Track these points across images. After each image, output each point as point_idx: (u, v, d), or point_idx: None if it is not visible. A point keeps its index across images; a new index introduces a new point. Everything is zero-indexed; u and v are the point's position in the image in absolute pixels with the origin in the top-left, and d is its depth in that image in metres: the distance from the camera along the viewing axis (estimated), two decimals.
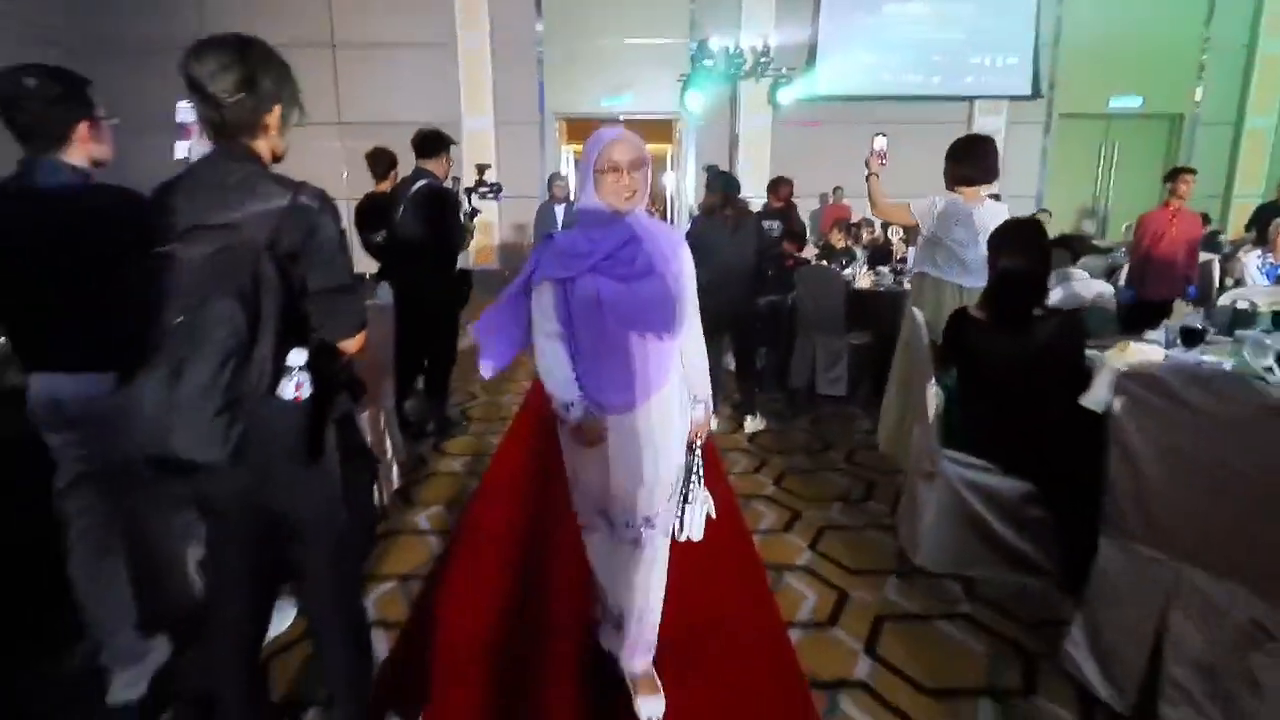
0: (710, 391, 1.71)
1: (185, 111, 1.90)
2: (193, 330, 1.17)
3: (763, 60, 8.33)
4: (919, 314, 2.31)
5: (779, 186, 4.68)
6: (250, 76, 1.28)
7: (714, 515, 1.72)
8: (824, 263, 4.82)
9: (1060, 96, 8.97)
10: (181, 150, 1.86)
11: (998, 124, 8.97)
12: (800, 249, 4.74)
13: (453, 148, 3.58)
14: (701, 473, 1.71)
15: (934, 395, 2.24)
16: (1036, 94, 8.77)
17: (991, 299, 2.17)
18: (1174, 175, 4.62)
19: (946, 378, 2.32)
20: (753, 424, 3.75)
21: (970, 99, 8.87)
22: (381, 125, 7.59)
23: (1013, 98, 8.79)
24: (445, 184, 3.48)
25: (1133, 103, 9.02)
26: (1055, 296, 3.45)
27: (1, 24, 7.23)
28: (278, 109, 1.34)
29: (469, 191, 3.84)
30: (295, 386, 1.26)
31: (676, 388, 1.61)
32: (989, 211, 2.63)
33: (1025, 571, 2.11)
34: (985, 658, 1.95)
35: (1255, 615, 1.43)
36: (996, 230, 2.19)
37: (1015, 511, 2.11)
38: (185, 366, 1.17)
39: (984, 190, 2.73)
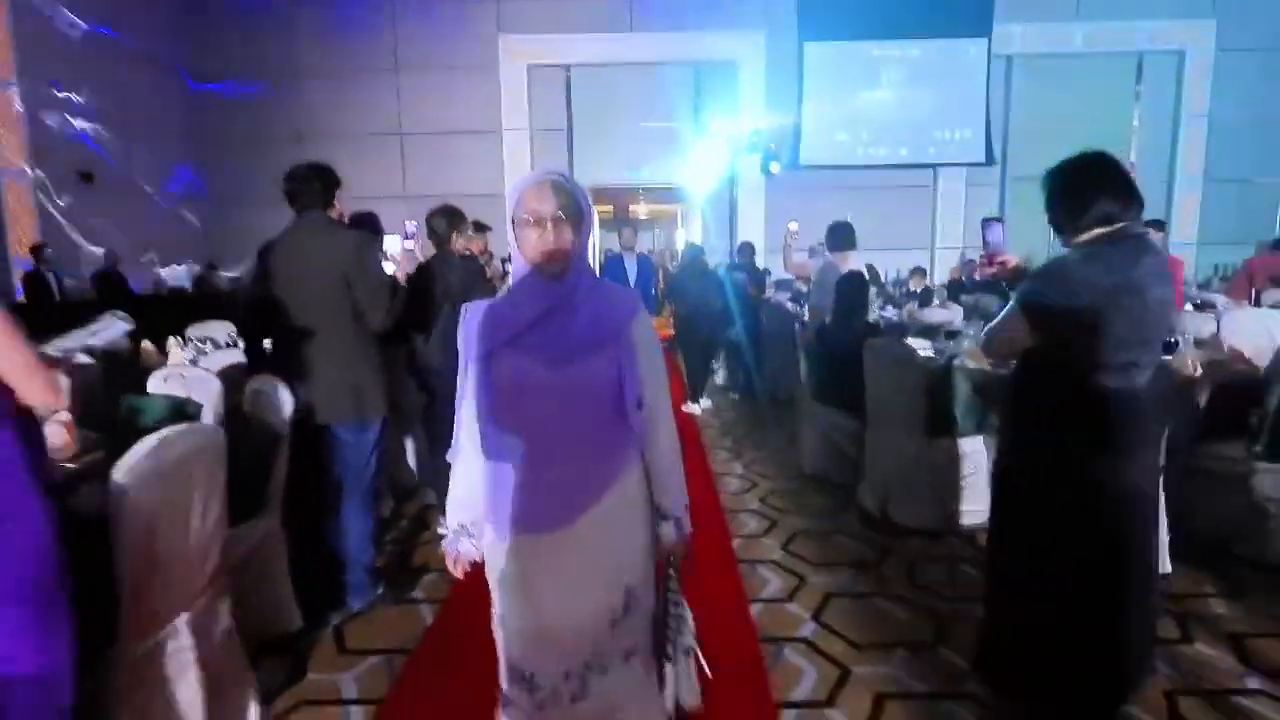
0: (684, 502, 1.39)
1: (409, 228, 3.92)
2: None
3: (755, 139, 10.43)
4: (797, 327, 4.21)
5: (744, 249, 6.68)
6: (450, 220, 3.28)
7: (708, 673, 1.40)
8: (788, 302, 6.72)
9: (1011, 162, 10.90)
10: (410, 245, 3.84)
11: (958, 187, 10.92)
12: (761, 292, 6.66)
13: (498, 213, 5.48)
14: (684, 616, 1.37)
15: (804, 374, 4.12)
16: (990, 161, 10.70)
17: (835, 314, 4.05)
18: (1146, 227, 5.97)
19: (814, 360, 4.19)
20: (696, 406, 5.68)
21: (934, 166, 10.84)
22: (441, 197, 9.76)
23: (970, 164, 10.73)
24: (479, 259, 5.24)
25: None
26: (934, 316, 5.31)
27: (143, 131, 9.64)
28: (455, 234, 3.32)
29: (504, 261, 5.58)
30: None
31: (627, 495, 1.33)
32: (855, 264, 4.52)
33: (856, 471, 3.91)
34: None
35: (905, 448, 3.26)
36: (838, 280, 4.08)
37: (852, 436, 3.93)
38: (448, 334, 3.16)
39: (850, 254, 4.61)
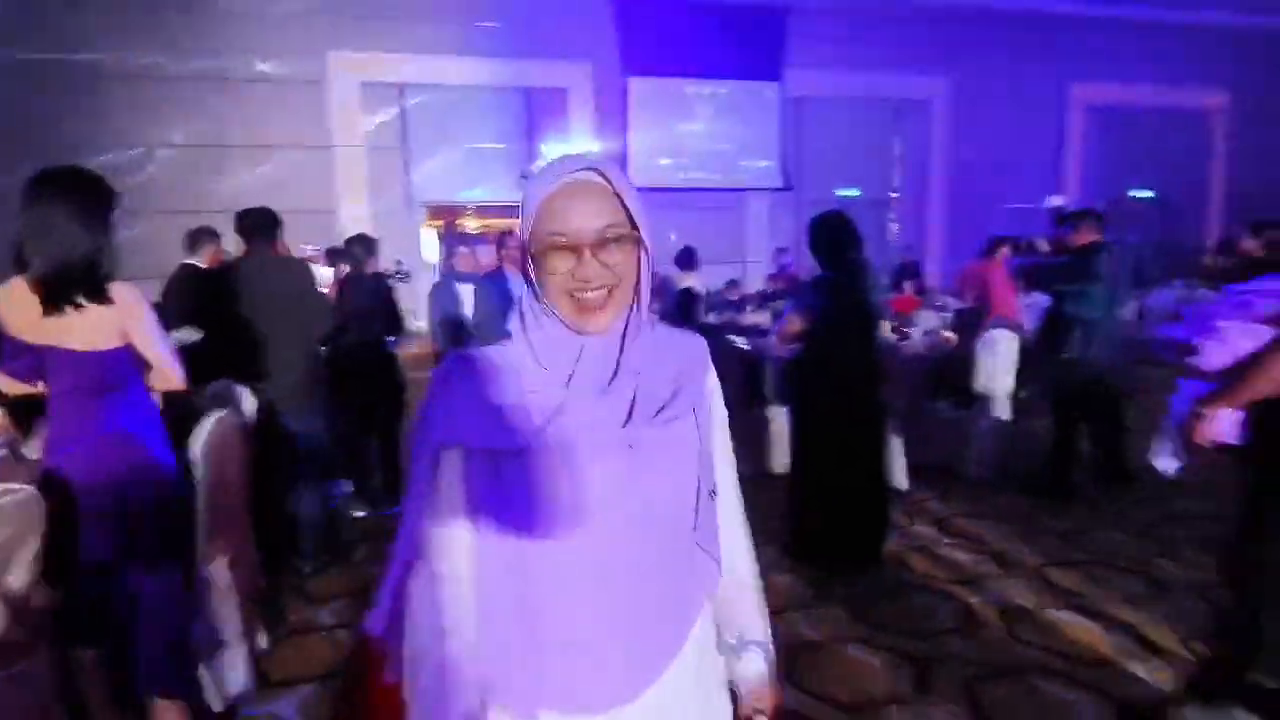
0: (767, 621, 1.02)
1: (308, 250, 4.44)
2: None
3: None
4: None
5: None
6: (367, 245, 3.94)
7: None
8: None
9: (806, 188, 12.97)
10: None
11: (762, 208, 12.78)
12: None
13: (330, 229, 5.88)
14: None
15: None
16: (788, 187, 12.68)
17: (672, 320, 5.15)
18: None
19: None
20: None
21: (742, 190, 12.62)
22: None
23: (771, 189, 12.63)
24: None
25: (854, 192, 13.22)
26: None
27: None
28: (371, 258, 3.99)
29: (389, 276, 6.15)
30: None
31: (706, 637, 0.95)
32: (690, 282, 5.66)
33: None
34: None
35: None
36: (676, 293, 5.19)
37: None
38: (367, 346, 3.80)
39: (691, 273, 5.74)
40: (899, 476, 4.15)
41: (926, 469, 4.36)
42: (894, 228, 13.46)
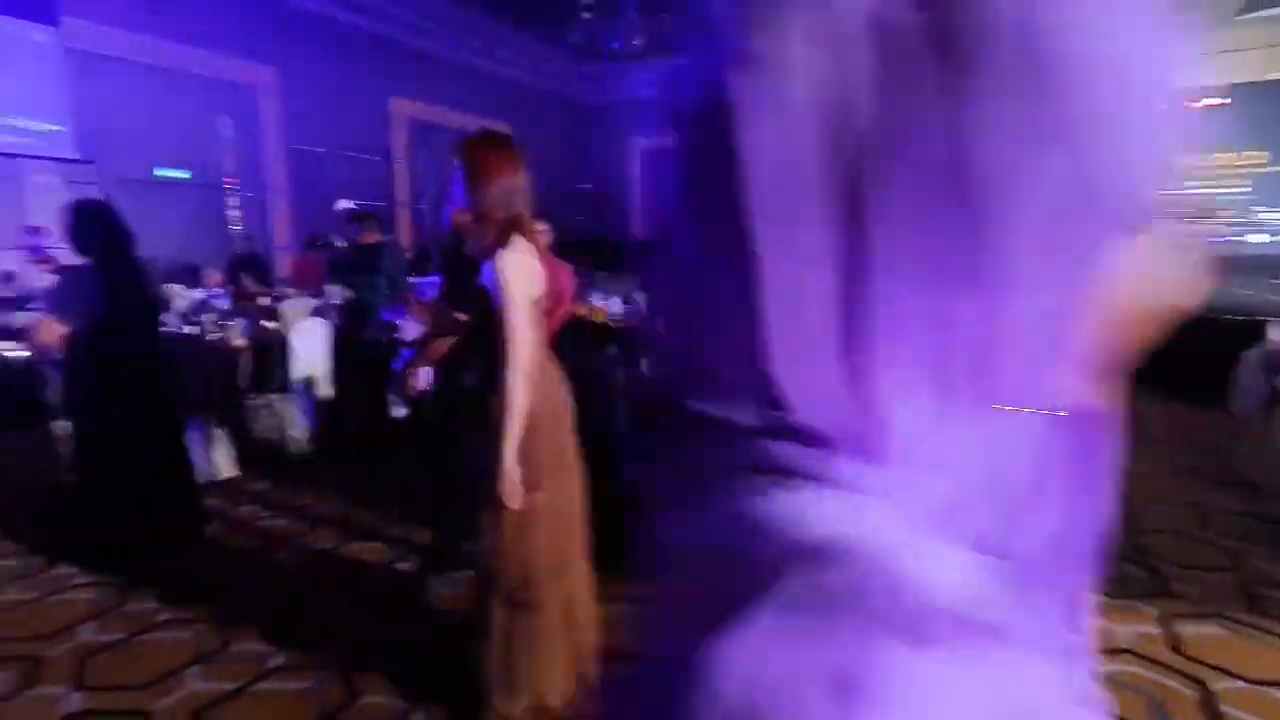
0: None
1: None
2: None
3: None
4: None
5: None
6: None
7: None
8: None
9: (111, 164, 11.16)
10: None
11: (55, 182, 10.51)
12: None
13: None
14: None
15: None
16: (89, 160, 10.72)
17: None
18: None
19: None
20: None
21: (15, 156, 10.10)
22: None
23: (62, 160, 10.49)
24: None
25: (182, 174, 12.10)
26: None
27: None
28: None
29: None
30: None
31: None
32: None
33: None
34: None
35: None
36: None
37: None
38: None
39: None
40: (224, 466, 4.29)
41: (254, 454, 4.59)
42: (235, 215, 12.80)
